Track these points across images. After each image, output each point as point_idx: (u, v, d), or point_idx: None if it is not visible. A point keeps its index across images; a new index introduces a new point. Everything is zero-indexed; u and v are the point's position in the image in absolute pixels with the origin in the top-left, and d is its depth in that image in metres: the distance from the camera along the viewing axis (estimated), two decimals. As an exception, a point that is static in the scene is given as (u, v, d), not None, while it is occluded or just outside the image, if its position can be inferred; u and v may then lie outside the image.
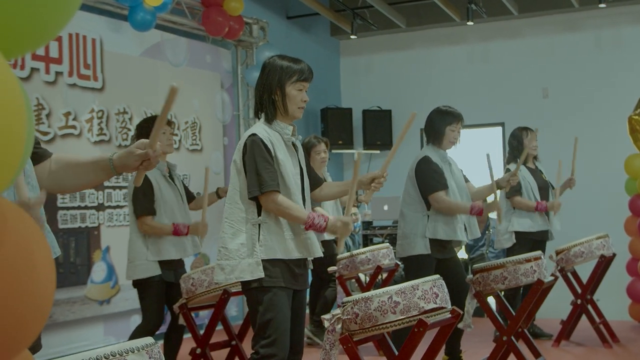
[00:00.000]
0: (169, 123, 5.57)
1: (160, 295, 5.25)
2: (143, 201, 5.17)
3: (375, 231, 9.49)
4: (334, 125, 10.68)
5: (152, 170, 5.34)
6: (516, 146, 6.93)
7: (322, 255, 3.76)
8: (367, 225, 9.63)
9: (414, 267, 5.31)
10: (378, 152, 10.97)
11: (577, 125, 9.82)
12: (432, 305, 3.49)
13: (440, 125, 5.43)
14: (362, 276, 8.10)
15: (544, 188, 6.95)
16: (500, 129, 10.45)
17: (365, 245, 9.23)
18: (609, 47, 9.94)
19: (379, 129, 10.91)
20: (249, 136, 3.66)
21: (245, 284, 3.65)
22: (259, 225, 3.61)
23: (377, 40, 11.17)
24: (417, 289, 3.47)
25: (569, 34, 10.16)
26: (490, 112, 10.37)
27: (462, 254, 9.43)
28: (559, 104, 10.09)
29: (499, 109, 10.35)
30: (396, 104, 10.98)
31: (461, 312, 3.66)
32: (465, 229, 5.43)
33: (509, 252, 6.78)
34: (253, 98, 7.87)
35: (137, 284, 5.28)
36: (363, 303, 3.48)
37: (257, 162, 3.60)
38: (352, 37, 10.47)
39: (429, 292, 3.49)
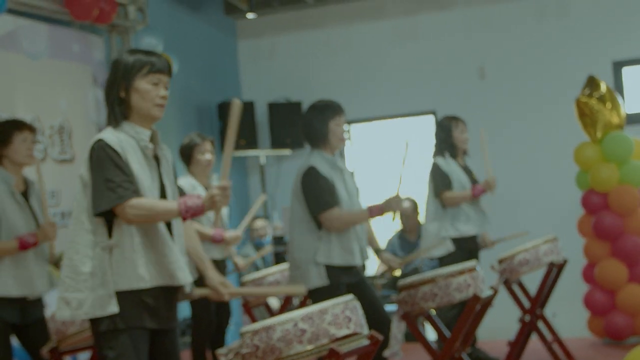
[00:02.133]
0: (26, 127, 5.50)
1: (4, 342, 5.19)
2: None
3: (287, 247, 9.55)
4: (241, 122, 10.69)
5: None
6: (444, 138, 7.12)
7: (191, 280, 3.76)
8: (277, 240, 9.69)
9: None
10: (289, 152, 11.05)
11: (519, 109, 10.09)
12: (345, 332, 3.57)
13: (321, 123, 5.44)
14: (273, 301, 8.18)
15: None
16: (432, 117, 10.63)
17: (276, 263, 9.29)
18: (553, 17, 10.22)
19: (288, 125, 10.98)
20: (94, 142, 3.67)
21: (93, 324, 3.63)
22: (110, 249, 3.60)
23: (281, 19, 11.25)
24: (327, 314, 3.55)
25: (507, 3, 10.41)
26: (420, 99, 10.55)
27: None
28: (498, 85, 10.32)
29: (430, 94, 10.53)
30: (308, 95, 11.02)
31: (380, 338, 3.75)
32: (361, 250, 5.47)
33: (442, 263, 6.94)
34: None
35: None
36: (264, 333, 3.53)
37: (104, 170, 3.59)
38: (249, 15, 10.52)
39: (340, 317, 3.57)
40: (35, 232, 5.22)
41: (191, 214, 3.59)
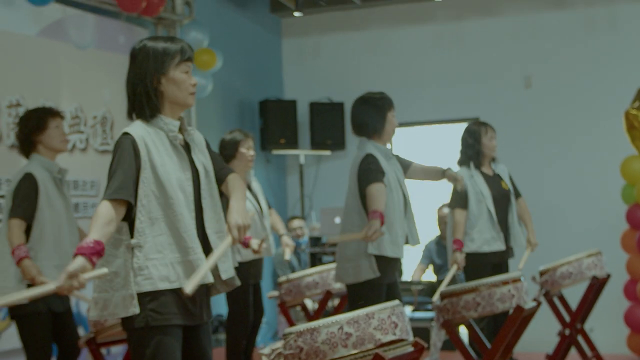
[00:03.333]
0: (58, 114, 5.55)
1: (46, 330, 5.24)
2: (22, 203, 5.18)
3: (324, 249, 9.54)
4: (275, 121, 10.71)
5: (41, 171, 5.34)
6: (472, 145, 6.93)
7: (212, 280, 3.66)
8: (314, 241, 9.67)
9: (361, 297, 5.27)
10: (328, 153, 11.02)
11: (565, 120, 10.00)
12: (390, 337, 3.54)
13: (379, 114, 5.60)
14: (309, 303, 8.16)
15: (502, 198, 6.89)
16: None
17: (312, 265, 9.28)
18: (603, 29, 10.12)
19: (329, 125, 10.96)
20: (120, 136, 3.63)
21: (126, 322, 3.59)
22: (133, 249, 3.55)
23: (327, 18, 11.23)
24: (373, 318, 3.52)
25: (557, 12, 10.33)
26: (463, 106, 10.48)
27: (430, 275, 9.54)
28: (544, 95, 10.24)
29: (474, 101, 10.46)
30: (350, 96, 10.84)
31: (425, 346, 3.72)
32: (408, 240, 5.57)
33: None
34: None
35: (14, 315, 5.26)
36: (309, 335, 3.50)
37: (112, 165, 3.58)
38: (296, 14, 10.51)
39: (386, 322, 3.54)
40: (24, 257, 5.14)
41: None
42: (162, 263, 3.56)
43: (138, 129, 3.64)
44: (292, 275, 6.77)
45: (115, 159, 3.59)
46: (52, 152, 5.51)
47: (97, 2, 7.94)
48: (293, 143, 10.87)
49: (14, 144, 6.92)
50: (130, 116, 3.76)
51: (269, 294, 6.64)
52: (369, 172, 5.39)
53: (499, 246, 6.76)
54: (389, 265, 5.42)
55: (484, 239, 6.73)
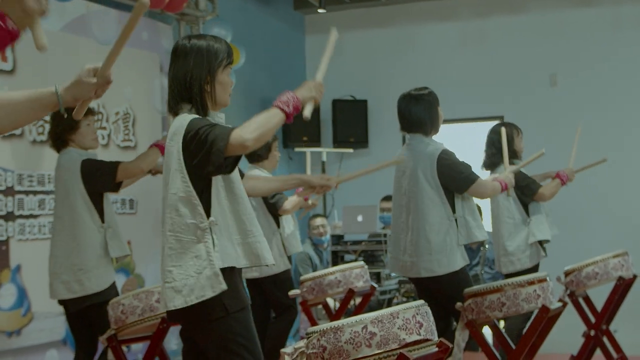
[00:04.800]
0: (91, 112, 5.65)
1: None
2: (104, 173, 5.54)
3: (347, 247, 9.52)
4: (298, 118, 10.64)
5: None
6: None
7: (273, 262, 3.89)
8: (337, 239, 9.64)
9: (455, 287, 5.46)
10: (351, 150, 11.01)
11: (591, 119, 9.92)
12: (415, 337, 3.51)
13: (435, 110, 5.75)
14: (330, 301, 8.14)
15: None
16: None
17: (335, 263, 9.26)
18: (630, 26, 10.06)
19: (352, 122, 10.96)
20: (192, 119, 3.73)
21: (205, 314, 3.72)
22: (210, 228, 3.69)
23: (350, 15, 11.22)
24: (397, 318, 3.49)
25: (583, 9, 10.27)
26: (488, 104, 10.45)
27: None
28: (570, 94, 10.19)
29: (498, 99, 10.44)
30: (373, 93, 11.02)
31: (450, 346, 3.68)
32: None
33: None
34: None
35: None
36: (332, 334, 3.48)
37: (205, 126, 3.68)
38: (319, 10, 10.51)
39: (411, 321, 3.51)
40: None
41: (293, 107, 3.74)
42: (229, 243, 3.73)
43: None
44: (314, 274, 6.75)
45: (203, 125, 3.68)
46: (83, 149, 5.67)
47: (120, -3, 7.95)
48: (316, 140, 10.87)
49: (36, 140, 6.93)
50: (173, 110, 3.86)
51: (290, 292, 6.61)
52: (465, 171, 5.63)
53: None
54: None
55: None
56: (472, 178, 5.60)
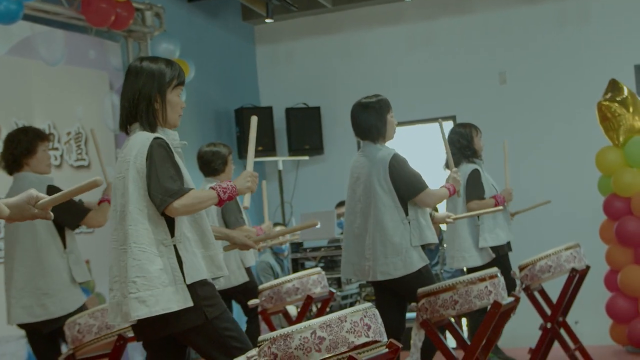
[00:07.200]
0: (47, 138, 5.68)
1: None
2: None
3: (306, 254, 9.54)
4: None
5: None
6: (467, 145, 7.06)
7: (227, 273, 4.09)
8: (296, 247, 9.66)
9: (421, 286, 5.42)
10: (307, 158, 11.05)
11: (541, 115, 10.06)
12: (363, 339, 3.55)
13: (380, 117, 5.75)
14: (292, 309, 8.17)
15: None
16: (451, 123, 10.59)
17: (295, 271, 9.27)
18: (574, 21, 10.18)
19: (306, 130, 10.99)
20: (153, 140, 3.85)
21: (182, 323, 3.85)
22: (174, 245, 3.83)
23: (299, 24, 11.26)
24: (345, 321, 3.53)
25: (527, 7, 10.37)
26: (439, 105, 10.51)
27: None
28: (519, 91, 10.29)
29: (449, 100, 10.51)
30: (325, 100, 11.07)
31: (400, 346, 3.73)
32: None
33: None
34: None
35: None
36: (282, 341, 3.51)
37: (166, 165, 3.84)
38: (267, 20, 10.53)
39: (359, 324, 3.55)
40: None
41: (228, 196, 3.90)
42: (195, 257, 3.88)
43: (159, 135, 3.93)
44: (272, 282, 6.78)
45: (161, 158, 3.83)
46: (37, 174, 5.66)
47: (65, 17, 7.93)
48: (271, 149, 10.90)
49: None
50: (124, 128, 4.01)
51: (250, 302, 6.64)
52: (413, 178, 5.67)
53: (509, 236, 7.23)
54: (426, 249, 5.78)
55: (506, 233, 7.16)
56: (419, 187, 5.62)
